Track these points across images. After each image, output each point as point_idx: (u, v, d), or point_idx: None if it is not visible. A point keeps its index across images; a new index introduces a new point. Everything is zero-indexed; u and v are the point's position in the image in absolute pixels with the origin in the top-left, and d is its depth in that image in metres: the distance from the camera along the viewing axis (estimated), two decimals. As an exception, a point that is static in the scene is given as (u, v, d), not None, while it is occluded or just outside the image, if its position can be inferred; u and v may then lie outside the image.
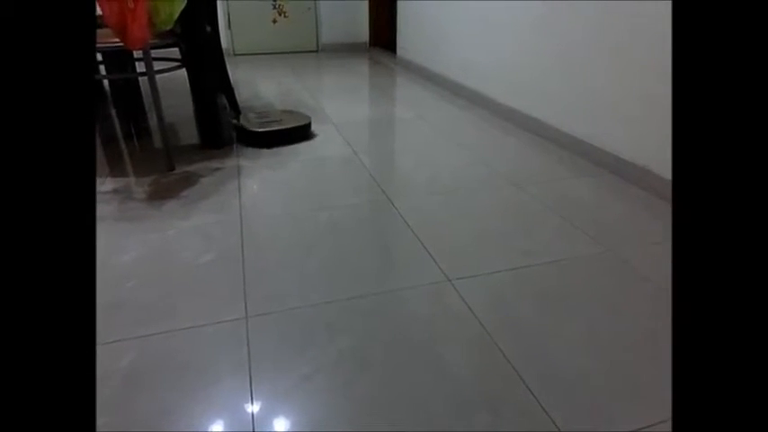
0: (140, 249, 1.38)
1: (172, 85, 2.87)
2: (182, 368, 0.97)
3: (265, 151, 2.18)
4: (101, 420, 0.85)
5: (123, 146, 2.28)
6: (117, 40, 1.65)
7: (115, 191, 1.76)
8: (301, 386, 0.93)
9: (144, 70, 1.85)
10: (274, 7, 4.76)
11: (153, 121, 2.63)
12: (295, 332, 1.07)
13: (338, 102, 3.10)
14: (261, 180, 1.88)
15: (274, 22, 4.82)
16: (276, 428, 0.85)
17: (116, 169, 1.98)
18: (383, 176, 1.91)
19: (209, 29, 2.20)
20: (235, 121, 2.33)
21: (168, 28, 1.75)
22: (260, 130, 2.25)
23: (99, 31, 2.13)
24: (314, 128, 2.42)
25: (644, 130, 1.77)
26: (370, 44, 5.15)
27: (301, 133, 2.35)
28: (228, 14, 4.63)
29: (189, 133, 2.47)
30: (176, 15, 1.73)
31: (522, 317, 1.12)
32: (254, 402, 0.89)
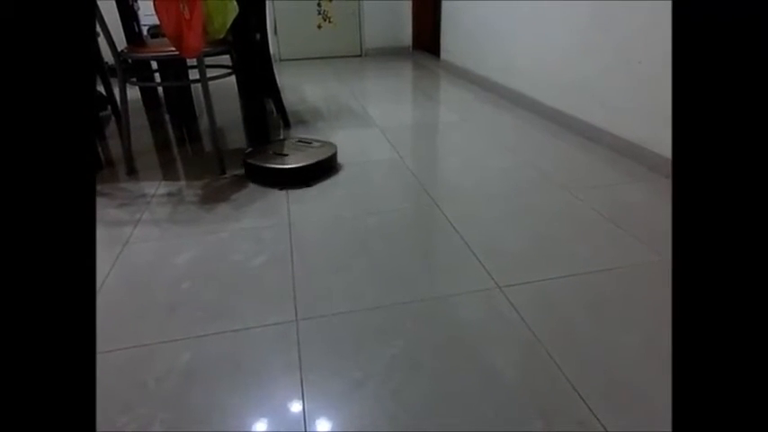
0: (195, 251, 1.43)
1: (220, 90, 2.95)
2: (235, 368, 0.99)
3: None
4: (161, 416, 0.88)
5: (176, 150, 2.36)
6: (173, 48, 1.72)
7: (169, 194, 1.83)
8: (353, 391, 0.93)
9: (197, 77, 1.92)
10: (319, 13, 4.84)
11: (203, 125, 2.72)
12: (344, 336, 1.08)
13: (383, 105, 3.12)
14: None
15: (319, 27, 4.90)
16: (328, 431, 0.86)
17: (170, 173, 2.06)
18: (429, 180, 1.90)
19: (258, 36, 2.26)
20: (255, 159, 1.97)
21: (221, 36, 1.81)
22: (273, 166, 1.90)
23: (157, 41, 2.22)
24: (359, 132, 2.44)
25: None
26: (413, 47, 5.15)
27: (326, 167, 1.98)
28: (275, 21, 4.73)
29: (237, 137, 2.54)
30: (229, 24, 1.79)
31: (574, 326, 1.09)
32: (306, 404, 0.90)
